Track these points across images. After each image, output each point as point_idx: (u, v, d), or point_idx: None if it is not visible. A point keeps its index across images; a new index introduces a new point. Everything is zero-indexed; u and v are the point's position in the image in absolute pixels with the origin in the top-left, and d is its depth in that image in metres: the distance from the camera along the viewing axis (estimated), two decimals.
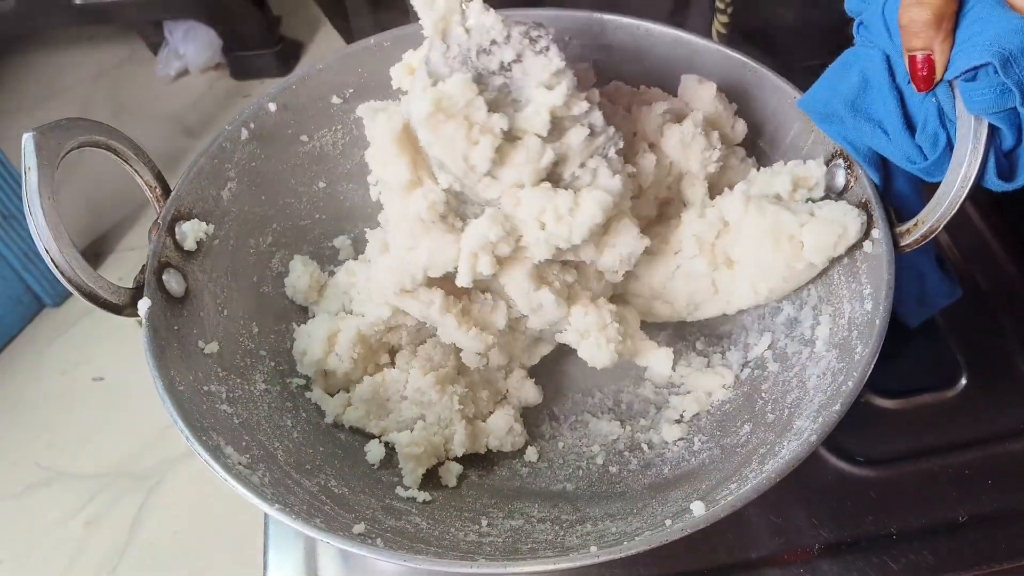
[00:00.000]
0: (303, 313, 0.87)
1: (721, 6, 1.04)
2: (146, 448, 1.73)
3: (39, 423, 1.82)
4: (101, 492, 1.69)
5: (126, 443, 1.75)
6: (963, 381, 0.89)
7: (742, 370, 0.83)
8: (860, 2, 0.66)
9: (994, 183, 0.61)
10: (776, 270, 0.75)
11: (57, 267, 0.64)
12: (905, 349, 0.90)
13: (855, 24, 0.68)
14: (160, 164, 0.77)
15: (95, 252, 2.13)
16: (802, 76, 0.78)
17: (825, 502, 0.80)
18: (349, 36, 1.31)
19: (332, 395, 0.82)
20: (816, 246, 0.72)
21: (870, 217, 0.70)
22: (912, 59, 0.60)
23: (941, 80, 0.60)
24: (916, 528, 0.78)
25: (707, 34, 1.04)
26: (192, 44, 2.53)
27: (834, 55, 0.71)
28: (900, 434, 0.85)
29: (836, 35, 0.90)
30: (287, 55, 2.53)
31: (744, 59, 0.82)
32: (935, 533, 0.78)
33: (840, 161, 0.75)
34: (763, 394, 0.77)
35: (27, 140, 0.63)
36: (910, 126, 0.66)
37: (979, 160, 0.60)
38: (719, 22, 1.05)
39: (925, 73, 0.60)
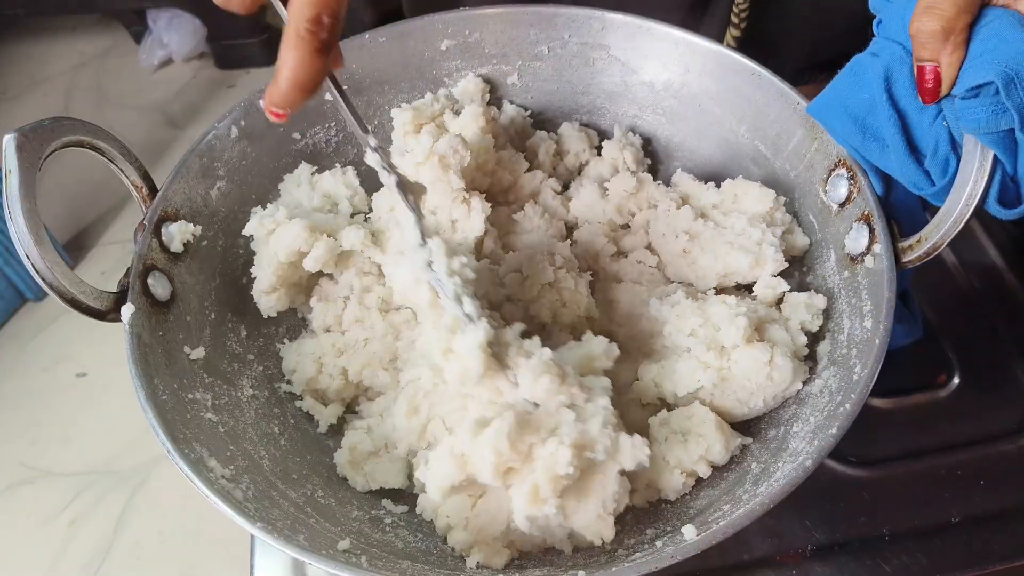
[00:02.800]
0: (292, 315, 0.86)
1: (735, 20, 1.02)
2: (131, 446, 1.72)
3: (21, 420, 1.80)
4: (85, 491, 1.68)
5: (110, 441, 1.73)
6: (956, 381, 0.89)
7: None
8: (884, 0, 0.65)
9: (995, 208, 0.60)
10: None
11: (38, 273, 0.63)
12: (898, 349, 0.89)
13: (875, 22, 0.67)
14: (143, 155, 0.75)
15: (77, 246, 2.10)
16: (813, 91, 0.77)
17: (817, 503, 0.80)
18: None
19: (326, 405, 0.81)
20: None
21: (872, 231, 0.69)
22: (920, 70, 0.59)
23: (948, 94, 0.59)
24: (908, 529, 0.78)
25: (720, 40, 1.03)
26: (176, 33, 2.50)
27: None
28: (893, 434, 0.85)
29: (849, 54, 0.89)
30: (273, 44, 2.51)
31: (747, 62, 0.81)
32: (928, 534, 0.78)
33: (843, 171, 0.74)
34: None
35: (7, 142, 0.62)
36: (915, 152, 0.65)
37: (985, 178, 0.59)
38: (731, 36, 1.03)
39: (931, 85, 0.59)
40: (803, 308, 0.75)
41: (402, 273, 0.70)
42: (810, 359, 0.74)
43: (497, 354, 0.66)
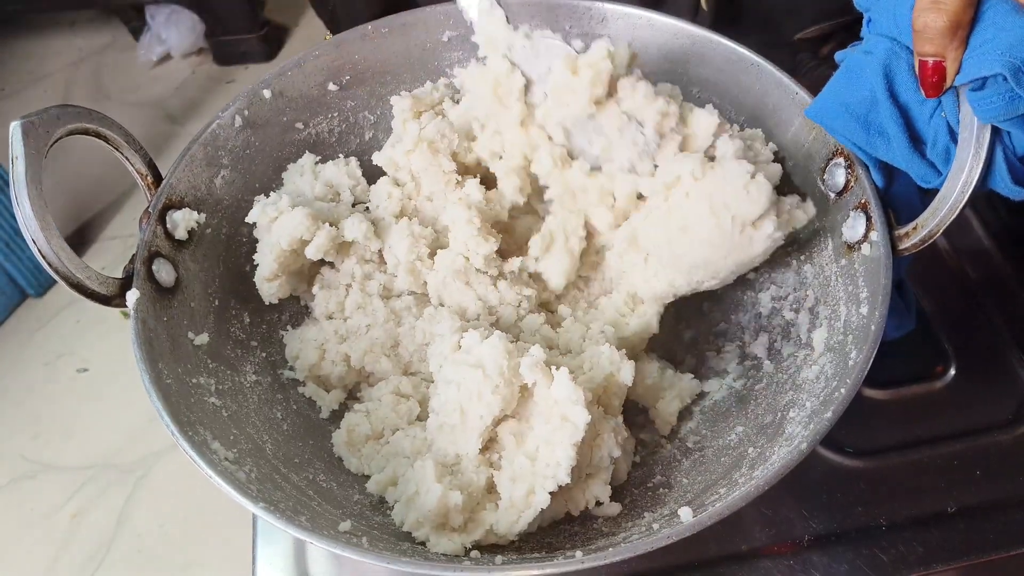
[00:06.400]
0: (295, 302, 0.86)
1: None
2: (132, 440, 1.72)
3: (23, 415, 1.80)
4: (87, 484, 1.68)
5: (112, 435, 1.73)
6: (952, 372, 0.89)
7: (737, 369, 0.82)
8: None
9: (1010, 189, 0.60)
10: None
11: (44, 258, 0.63)
12: (894, 339, 0.90)
13: (864, 20, 0.67)
14: None
15: (78, 241, 2.10)
16: (796, 50, 0.77)
17: (815, 493, 0.81)
18: (334, 27, 1.30)
19: (328, 391, 0.81)
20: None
21: (869, 219, 0.70)
22: (923, 64, 0.59)
23: (951, 87, 0.59)
24: (906, 519, 0.79)
25: (694, 5, 1.03)
26: (174, 29, 2.50)
27: (827, 25, 0.70)
28: (890, 425, 0.85)
29: (830, 12, 0.89)
30: (271, 40, 2.51)
31: (747, 53, 0.82)
32: (925, 524, 0.78)
33: (840, 160, 0.74)
34: (757, 395, 0.77)
35: (15, 128, 0.62)
36: (918, 146, 0.65)
37: (980, 165, 0.60)
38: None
39: (935, 80, 0.59)
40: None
41: (492, 68, 0.75)
42: (807, 347, 0.75)
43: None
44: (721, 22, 0.84)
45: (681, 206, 0.72)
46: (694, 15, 0.96)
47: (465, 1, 0.76)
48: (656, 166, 0.75)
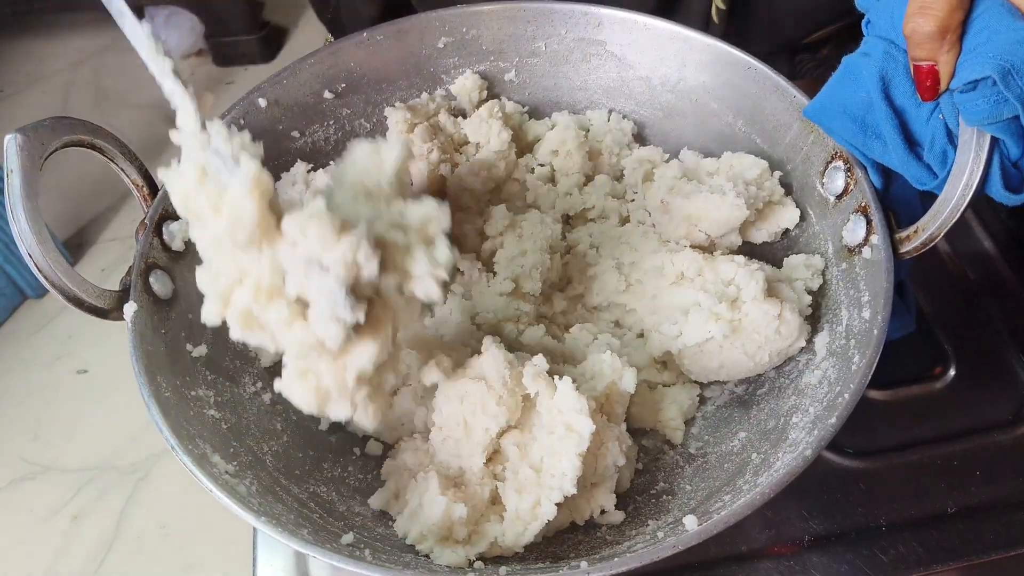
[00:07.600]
0: None
1: None
2: (132, 441, 1.72)
3: (23, 416, 1.80)
4: (87, 486, 1.67)
5: (112, 436, 1.73)
6: (952, 372, 0.89)
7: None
8: None
9: (1001, 195, 0.60)
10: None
11: (41, 272, 0.63)
12: (894, 340, 0.90)
13: (864, 21, 0.67)
14: (143, 152, 0.75)
15: (77, 243, 2.10)
16: (805, 57, 0.77)
17: (815, 494, 0.81)
18: (336, 30, 1.29)
19: None
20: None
21: (869, 222, 0.70)
22: (917, 69, 0.59)
23: (947, 90, 0.59)
24: (905, 520, 0.79)
25: (706, 14, 1.03)
26: (174, 30, 2.49)
27: (837, 34, 0.70)
28: (889, 425, 0.85)
29: (838, 15, 0.89)
30: (271, 41, 2.50)
31: (744, 56, 0.81)
32: (924, 525, 0.78)
33: (839, 163, 0.74)
34: (759, 400, 0.77)
35: (9, 142, 0.62)
36: (914, 148, 0.65)
37: (981, 168, 0.59)
38: (716, 7, 1.03)
39: (929, 84, 0.59)
40: (803, 268, 0.77)
41: (184, 174, 0.54)
42: (809, 351, 0.75)
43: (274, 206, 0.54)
44: (731, 32, 0.83)
45: (716, 354, 0.75)
46: (705, 27, 0.96)
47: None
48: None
